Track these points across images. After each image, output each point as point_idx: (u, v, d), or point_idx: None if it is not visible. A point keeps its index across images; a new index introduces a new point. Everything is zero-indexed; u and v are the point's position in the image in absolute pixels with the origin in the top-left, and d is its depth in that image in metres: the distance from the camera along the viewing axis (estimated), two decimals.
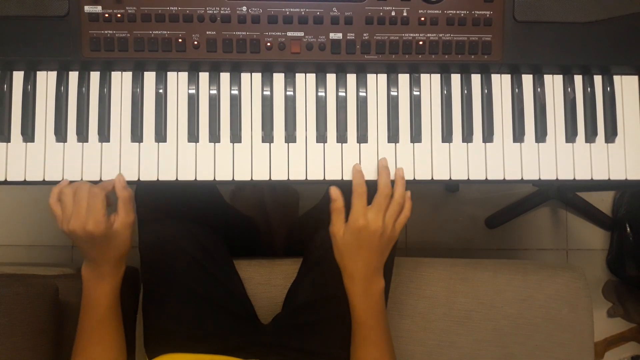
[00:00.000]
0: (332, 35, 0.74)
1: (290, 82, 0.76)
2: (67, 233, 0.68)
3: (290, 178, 0.75)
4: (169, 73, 0.76)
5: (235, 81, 0.76)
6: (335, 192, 0.72)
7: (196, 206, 0.90)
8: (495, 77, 0.78)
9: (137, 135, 0.75)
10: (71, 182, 0.71)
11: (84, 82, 0.75)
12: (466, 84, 0.77)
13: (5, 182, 0.75)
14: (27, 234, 1.51)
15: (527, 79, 0.78)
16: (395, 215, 0.72)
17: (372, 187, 0.73)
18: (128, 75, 0.76)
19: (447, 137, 0.77)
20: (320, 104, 0.76)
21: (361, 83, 0.77)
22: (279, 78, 0.77)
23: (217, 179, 0.75)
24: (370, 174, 0.75)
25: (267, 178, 0.76)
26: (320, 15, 0.73)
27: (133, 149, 0.75)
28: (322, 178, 0.76)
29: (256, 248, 1.22)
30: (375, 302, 0.73)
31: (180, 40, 0.73)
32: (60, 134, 0.74)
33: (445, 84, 0.77)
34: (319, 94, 0.77)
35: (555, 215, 1.55)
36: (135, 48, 0.73)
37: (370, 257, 0.71)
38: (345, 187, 0.74)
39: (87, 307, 0.72)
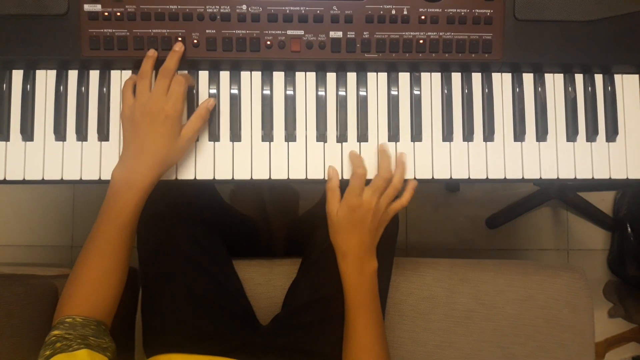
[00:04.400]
0: (332, 34, 0.73)
1: (290, 80, 0.76)
2: (137, 116, 0.69)
3: (290, 177, 0.75)
4: None
5: (235, 80, 0.76)
6: (332, 170, 0.74)
7: (195, 206, 0.90)
8: (495, 76, 0.78)
9: None
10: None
11: (83, 81, 0.75)
12: (467, 83, 0.77)
13: (5, 182, 0.74)
14: (27, 234, 1.50)
15: (528, 78, 0.78)
16: (389, 199, 0.73)
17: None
18: (128, 74, 0.75)
19: (447, 136, 0.76)
20: (321, 103, 0.76)
21: (361, 82, 0.77)
22: (279, 77, 0.77)
23: (216, 178, 0.75)
24: (371, 173, 0.75)
25: (267, 177, 0.75)
26: (320, 14, 0.73)
27: None
28: (322, 177, 0.76)
29: (256, 248, 1.22)
30: (367, 281, 0.74)
31: (179, 39, 0.72)
32: (60, 133, 0.74)
33: (446, 82, 0.77)
34: (319, 92, 0.76)
35: (556, 215, 1.55)
36: (135, 47, 0.72)
37: (363, 236, 0.72)
38: (345, 185, 0.74)
39: (108, 214, 0.69)
